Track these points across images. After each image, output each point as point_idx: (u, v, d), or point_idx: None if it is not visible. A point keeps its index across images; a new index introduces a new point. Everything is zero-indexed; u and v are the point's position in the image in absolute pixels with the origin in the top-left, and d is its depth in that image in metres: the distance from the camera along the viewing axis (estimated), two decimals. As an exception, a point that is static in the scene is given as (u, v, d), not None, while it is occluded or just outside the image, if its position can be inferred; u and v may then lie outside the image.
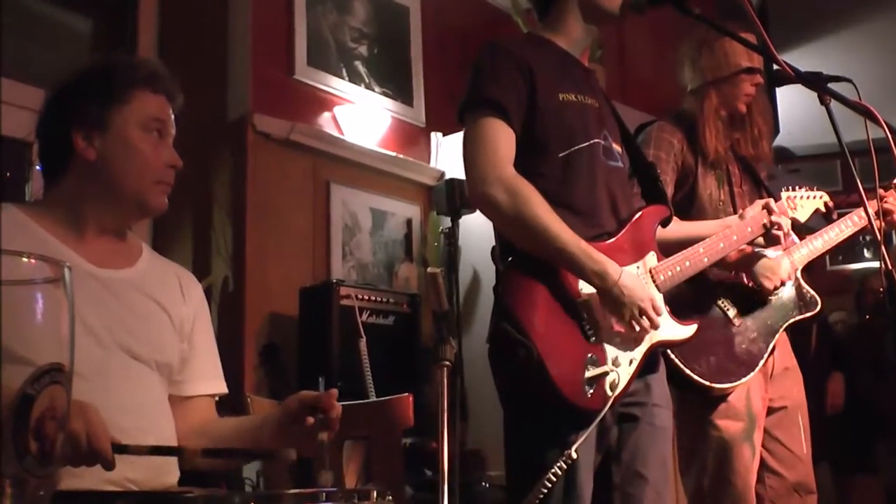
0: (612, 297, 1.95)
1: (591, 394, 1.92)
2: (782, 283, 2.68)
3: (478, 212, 2.11)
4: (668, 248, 2.25)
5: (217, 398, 1.90)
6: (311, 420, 1.59)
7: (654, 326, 2.00)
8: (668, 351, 2.41)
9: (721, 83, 2.76)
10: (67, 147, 1.69)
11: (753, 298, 2.69)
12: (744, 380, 2.57)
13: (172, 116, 1.79)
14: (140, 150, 1.70)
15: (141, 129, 1.70)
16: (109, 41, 4.58)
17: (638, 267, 2.10)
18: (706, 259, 2.30)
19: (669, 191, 2.62)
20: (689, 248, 2.27)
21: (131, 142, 1.69)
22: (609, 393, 1.94)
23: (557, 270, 1.99)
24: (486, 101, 2.05)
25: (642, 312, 1.97)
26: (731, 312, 2.65)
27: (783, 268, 2.67)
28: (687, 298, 2.53)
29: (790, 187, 2.80)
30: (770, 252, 2.66)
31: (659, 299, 2.10)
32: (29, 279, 0.66)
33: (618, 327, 1.99)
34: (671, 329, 2.11)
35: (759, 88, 2.79)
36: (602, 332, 1.98)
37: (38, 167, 3.80)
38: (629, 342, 2.01)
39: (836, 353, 5.24)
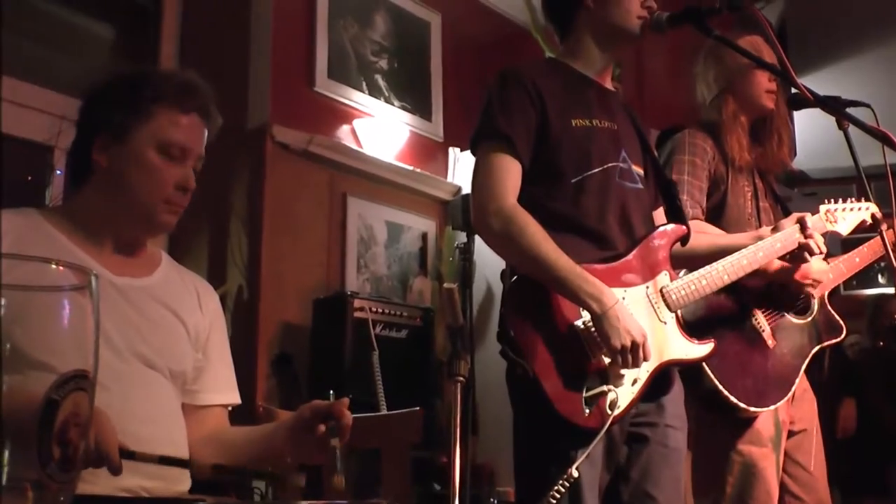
0: (605, 324, 1.93)
1: (589, 413, 1.92)
2: (817, 283, 2.59)
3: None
4: (697, 262, 2.24)
5: (230, 408, 1.91)
6: (322, 428, 1.59)
7: (636, 365, 1.96)
8: (709, 373, 2.39)
9: (735, 85, 2.74)
10: (89, 154, 1.70)
11: (787, 318, 2.65)
12: (779, 403, 2.53)
13: (203, 134, 1.77)
14: (150, 168, 1.68)
15: (157, 149, 1.68)
16: (131, 48, 4.63)
17: (648, 287, 2.10)
18: (726, 277, 2.26)
19: (702, 198, 2.60)
20: (709, 266, 2.25)
21: (143, 159, 1.68)
22: (608, 412, 1.93)
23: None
24: (494, 133, 2.09)
25: (634, 346, 1.94)
26: (766, 333, 2.60)
27: (819, 270, 2.59)
28: (720, 313, 2.51)
29: (830, 199, 2.67)
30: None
31: (670, 318, 2.09)
32: (56, 286, 0.67)
33: (608, 352, 1.98)
34: (683, 348, 2.10)
35: (779, 91, 2.75)
36: (603, 352, 1.98)
37: (58, 171, 3.86)
38: (618, 368, 2.00)
39: (849, 378, 5.20)
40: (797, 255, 2.44)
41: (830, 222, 2.60)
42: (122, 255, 1.73)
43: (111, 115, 1.70)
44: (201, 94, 1.77)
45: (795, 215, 2.46)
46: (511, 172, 2.06)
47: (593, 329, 1.95)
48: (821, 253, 2.44)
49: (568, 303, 1.98)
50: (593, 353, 1.96)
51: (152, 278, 1.77)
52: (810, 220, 2.45)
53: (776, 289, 2.61)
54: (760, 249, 2.35)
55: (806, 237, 2.41)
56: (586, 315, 1.97)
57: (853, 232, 2.65)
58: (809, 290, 2.60)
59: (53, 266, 0.66)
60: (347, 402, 1.61)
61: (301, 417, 1.64)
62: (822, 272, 2.61)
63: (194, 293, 1.85)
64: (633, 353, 1.94)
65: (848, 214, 2.64)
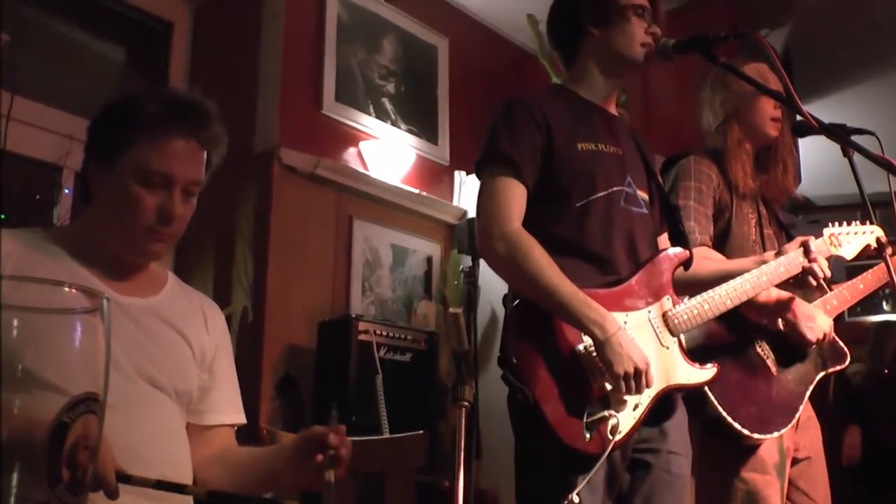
0: (606, 350, 1.93)
1: (590, 438, 1.91)
2: (824, 337, 2.60)
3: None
4: (700, 288, 2.24)
5: (236, 428, 1.91)
6: (320, 458, 1.59)
7: (639, 391, 1.96)
8: (713, 399, 2.39)
9: (741, 112, 2.75)
10: (87, 179, 1.71)
11: (791, 346, 2.64)
12: (783, 430, 2.52)
13: (194, 156, 1.70)
14: (129, 197, 1.64)
15: (137, 178, 1.64)
16: (142, 70, 4.67)
17: (651, 311, 2.10)
18: (729, 301, 2.25)
19: (709, 224, 2.61)
20: (711, 290, 2.24)
21: (124, 188, 1.65)
22: (609, 437, 1.93)
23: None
24: (499, 157, 2.10)
25: (636, 372, 1.93)
26: (770, 360, 2.59)
27: (824, 321, 2.63)
28: (724, 341, 2.50)
29: (834, 223, 2.64)
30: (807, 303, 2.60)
31: (672, 343, 2.09)
32: (69, 308, 0.68)
33: (610, 378, 1.98)
34: (686, 373, 2.09)
35: (784, 119, 2.76)
36: (605, 377, 1.97)
37: (66, 190, 3.87)
38: (621, 394, 2.00)
39: (854, 405, 5.19)
40: (801, 280, 2.43)
41: (835, 246, 2.56)
42: (126, 274, 1.72)
43: (99, 141, 1.69)
44: (188, 114, 1.70)
45: (799, 239, 2.45)
46: (516, 196, 2.07)
47: (595, 354, 1.95)
48: (825, 277, 2.43)
49: (569, 328, 1.98)
50: (594, 378, 1.96)
51: (158, 298, 1.77)
52: (814, 244, 2.43)
53: (780, 335, 2.61)
54: (764, 274, 2.34)
55: (810, 261, 2.39)
56: (588, 340, 1.97)
57: (858, 256, 2.61)
58: (808, 333, 2.58)
59: (66, 289, 0.67)
60: (344, 430, 1.60)
61: (300, 443, 1.64)
62: (828, 325, 2.62)
63: (200, 313, 1.85)
64: (635, 380, 1.93)
65: (852, 238, 2.61)
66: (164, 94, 1.75)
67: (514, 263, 2.00)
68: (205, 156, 1.73)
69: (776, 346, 2.62)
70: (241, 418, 1.89)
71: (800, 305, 2.57)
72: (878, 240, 2.60)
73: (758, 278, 2.33)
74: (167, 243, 1.70)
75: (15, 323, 0.64)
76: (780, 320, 2.58)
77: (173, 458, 1.68)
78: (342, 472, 1.60)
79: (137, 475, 1.36)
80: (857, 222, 2.62)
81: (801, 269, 2.40)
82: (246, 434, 1.99)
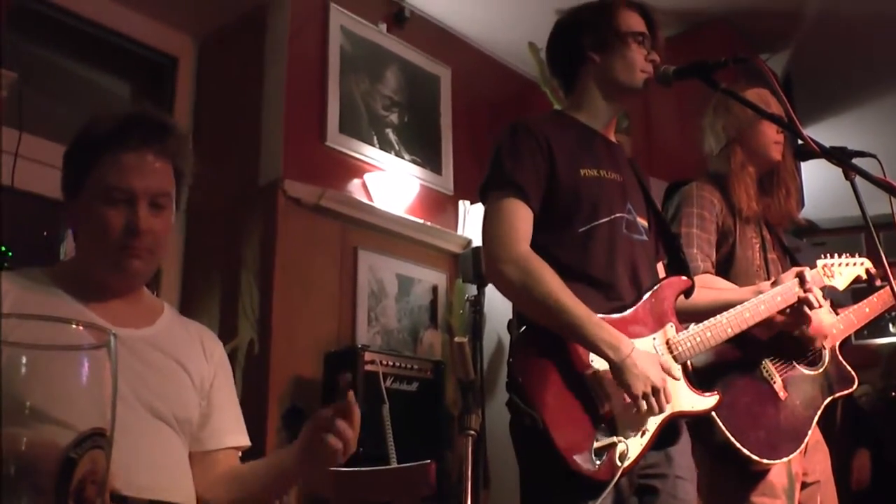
0: (623, 372, 1.94)
1: (600, 464, 1.91)
2: (826, 336, 2.64)
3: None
4: (699, 318, 2.25)
5: (241, 452, 1.90)
6: (331, 439, 1.58)
7: (661, 409, 1.97)
8: (721, 425, 2.39)
9: (743, 136, 2.76)
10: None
11: (798, 370, 2.65)
12: (792, 455, 2.52)
13: (156, 167, 1.70)
14: (96, 219, 1.66)
15: (102, 199, 1.66)
16: (147, 105, 4.70)
17: (655, 338, 2.11)
18: (730, 329, 2.28)
19: (712, 251, 2.61)
20: (713, 318, 2.26)
21: (91, 212, 1.67)
22: (618, 464, 1.93)
23: (568, 343, 2.00)
24: (506, 181, 2.10)
25: (654, 391, 1.95)
26: (777, 385, 2.59)
27: (826, 316, 2.63)
28: (731, 364, 2.51)
29: (826, 255, 2.74)
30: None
31: (677, 370, 2.10)
32: (76, 345, 0.69)
33: (629, 398, 1.99)
34: (690, 400, 2.10)
35: (786, 143, 2.78)
36: (613, 402, 1.98)
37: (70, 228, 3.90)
38: (642, 413, 2.00)
39: (862, 428, 5.16)
40: (798, 309, 2.45)
41: (828, 276, 2.65)
42: (123, 306, 1.74)
43: (66, 176, 1.72)
44: (143, 127, 1.71)
45: (794, 270, 2.49)
46: (523, 220, 2.08)
47: (603, 380, 1.96)
48: (819, 306, 2.46)
49: (577, 353, 1.99)
50: (602, 403, 1.96)
51: (153, 328, 1.78)
52: (809, 274, 2.47)
53: (787, 341, 2.61)
54: (762, 303, 2.38)
55: (805, 291, 2.43)
56: (595, 365, 1.98)
57: (849, 286, 2.72)
58: (822, 341, 2.61)
59: (73, 326, 0.68)
60: (353, 407, 1.61)
61: (308, 433, 1.63)
62: (832, 325, 2.64)
63: (198, 341, 1.85)
64: (655, 398, 1.95)
65: (844, 269, 2.71)
66: (118, 112, 1.74)
67: (526, 287, 2.00)
68: (168, 167, 1.73)
69: (781, 359, 2.62)
70: (244, 440, 1.89)
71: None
72: (867, 271, 2.73)
73: (756, 307, 2.36)
74: (143, 258, 1.70)
75: (23, 360, 0.65)
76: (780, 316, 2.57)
77: (175, 487, 1.68)
78: (347, 453, 1.60)
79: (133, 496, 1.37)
80: (847, 255, 2.73)
81: (797, 299, 2.42)
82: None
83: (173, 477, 1.69)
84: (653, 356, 2.03)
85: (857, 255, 2.76)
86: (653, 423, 2.01)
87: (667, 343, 2.12)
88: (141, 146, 1.68)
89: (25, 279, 1.67)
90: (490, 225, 2.11)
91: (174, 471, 1.70)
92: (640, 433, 1.98)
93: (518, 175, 2.09)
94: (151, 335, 1.75)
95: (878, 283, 2.76)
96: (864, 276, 2.75)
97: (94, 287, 1.71)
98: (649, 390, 1.93)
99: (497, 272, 2.05)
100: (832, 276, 2.67)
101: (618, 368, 1.94)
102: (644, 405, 1.94)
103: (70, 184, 1.71)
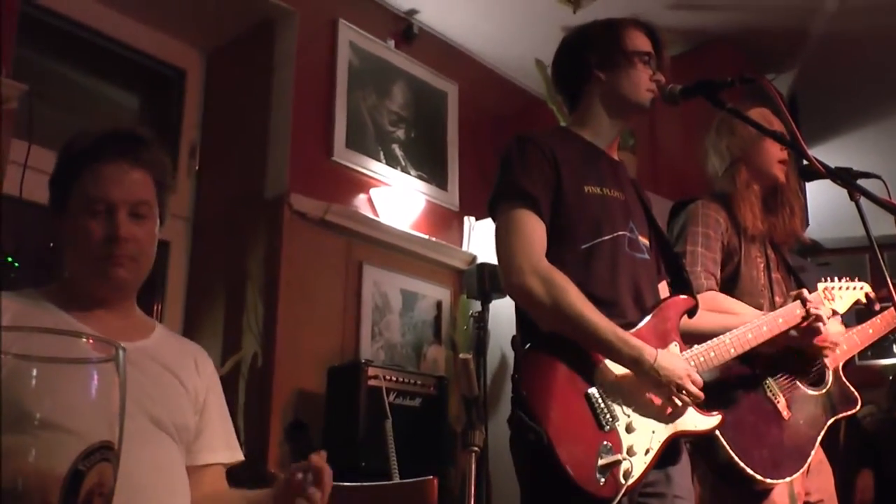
0: (650, 380, 2.00)
1: (604, 482, 1.91)
2: (834, 346, 2.64)
3: (507, 296, 2.15)
4: (701, 339, 2.26)
5: (231, 467, 1.91)
6: (313, 492, 1.57)
7: (698, 398, 2.04)
8: (725, 444, 2.40)
9: (748, 154, 2.77)
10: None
11: (802, 390, 2.65)
12: (795, 475, 2.52)
13: (134, 177, 1.75)
14: (79, 232, 1.71)
15: (85, 212, 1.71)
16: (156, 118, 4.73)
17: None
18: (733, 350, 2.29)
19: (717, 269, 2.62)
20: (716, 339, 2.28)
21: (74, 226, 1.72)
22: (622, 482, 1.93)
23: (573, 358, 2.01)
24: (518, 193, 2.11)
25: (680, 388, 2.01)
26: (780, 404, 2.60)
27: (833, 326, 2.63)
28: (735, 383, 2.51)
29: (827, 278, 2.76)
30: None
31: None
32: (85, 358, 0.69)
33: (637, 413, 2.00)
34: (693, 420, 2.11)
35: (791, 162, 2.78)
36: (617, 420, 1.98)
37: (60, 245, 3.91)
38: (645, 432, 2.01)
39: (866, 449, 5.14)
40: (805, 329, 2.47)
41: (828, 299, 2.66)
42: (117, 320, 1.76)
43: (52, 195, 1.77)
44: (120, 139, 1.77)
45: (795, 293, 2.51)
46: (538, 232, 2.08)
47: (608, 397, 1.97)
48: (827, 318, 2.48)
49: (582, 370, 2.00)
50: (607, 421, 1.97)
51: (148, 341, 1.81)
52: (810, 296, 2.49)
53: (792, 355, 2.62)
54: (764, 324, 2.39)
55: (808, 311, 2.45)
56: (600, 382, 1.98)
57: (849, 309, 2.75)
58: (828, 352, 2.61)
59: (83, 340, 0.69)
60: (324, 455, 1.61)
61: (281, 489, 1.64)
62: (838, 333, 2.65)
63: (190, 357, 1.88)
64: (688, 394, 2.02)
65: (844, 293, 2.73)
66: (99, 130, 1.79)
67: (552, 299, 2.00)
68: (147, 177, 1.78)
69: (785, 387, 2.62)
70: (234, 456, 1.90)
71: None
72: (866, 295, 2.76)
73: (758, 328, 2.37)
74: (126, 266, 1.73)
75: (34, 372, 0.66)
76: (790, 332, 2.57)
77: (173, 496, 1.69)
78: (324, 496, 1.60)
79: None
80: (846, 279, 2.75)
81: (799, 320, 2.43)
82: (253, 477, 1.99)
83: (174, 486, 1.71)
84: (676, 355, 2.08)
85: (857, 279, 2.78)
86: (656, 442, 2.01)
87: None
88: (118, 157, 1.74)
89: (21, 297, 1.71)
90: (505, 238, 2.10)
91: (174, 480, 1.72)
92: (644, 451, 1.99)
93: (529, 186, 2.10)
94: (146, 347, 1.78)
95: (878, 307, 2.80)
96: (864, 301, 2.78)
97: (85, 301, 1.74)
98: (675, 390, 2.01)
99: (519, 285, 2.04)
100: (832, 300, 2.68)
101: (644, 378, 2.00)
102: (678, 403, 2.03)
103: (56, 203, 1.76)
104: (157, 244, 1.82)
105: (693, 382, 2.03)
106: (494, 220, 2.16)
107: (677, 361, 2.04)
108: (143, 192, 1.76)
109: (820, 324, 2.45)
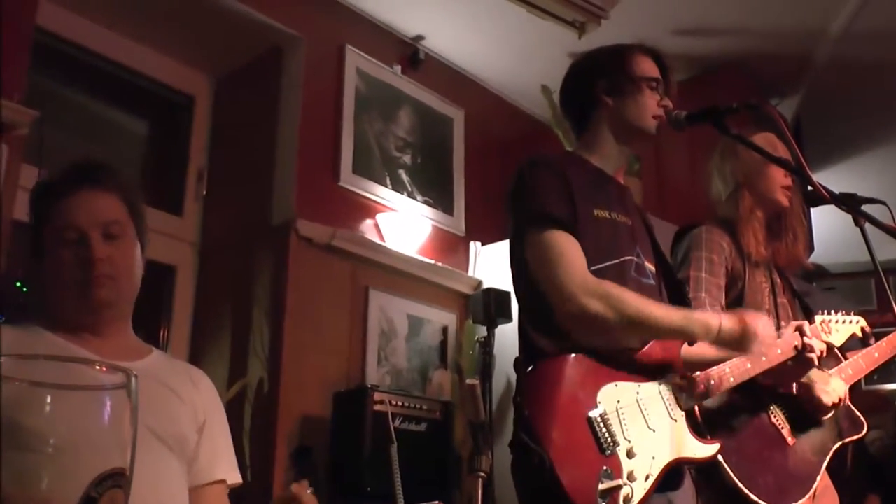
0: (748, 344, 2.08)
1: None
2: (840, 402, 2.64)
3: (513, 321, 2.16)
4: (702, 367, 2.25)
5: (228, 488, 1.91)
6: None
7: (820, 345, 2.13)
8: (729, 470, 2.39)
9: (752, 180, 2.77)
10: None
11: (808, 415, 2.64)
12: (801, 501, 2.50)
13: (98, 200, 1.76)
14: (55, 262, 1.72)
15: (59, 245, 1.72)
16: (164, 143, 4.77)
17: (661, 383, 2.12)
18: (732, 379, 2.28)
19: (721, 295, 2.62)
20: (716, 367, 2.27)
21: (51, 260, 1.73)
22: None
23: (575, 381, 2.01)
24: (544, 216, 2.11)
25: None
26: (785, 430, 2.59)
27: (838, 386, 2.64)
28: (739, 409, 2.51)
29: (824, 311, 2.75)
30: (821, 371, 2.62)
31: (682, 417, 2.11)
32: (99, 385, 0.70)
33: (637, 440, 2.00)
34: (692, 447, 2.11)
35: (795, 188, 2.79)
36: (618, 445, 1.98)
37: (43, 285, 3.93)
38: (646, 457, 2.01)
39: (873, 474, 5.11)
40: (800, 359, 2.45)
41: (825, 332, 2.65)
42: (114, 343, 1.78)
43: (29, 240, 1.79)
44: (83, 169, 1.79)
45: (794, 323, 2.49)
46: (577, 250, 2.08)
47: (610, 420, 1.97)
48: (820, 356, 2.46)
49: (583, 394, 1.99)
50: (608, 445, 1.97)
51: (146, 361, 1.83)
52: (808, 328, 2.48)
53: (799, 398, 2.61)
54: (762, 354, 2.37)
55: (804, 342, 2.43)
56: (601, 406, 1.98)
57: (845, 343, 2.75)
58: (824, 397, 2.60)
59: (97, 367, 0.70)
60: (306, 484, 1.63)
61: None
62: (843, 390, 2.65)
63: (188, 378, 1.90)
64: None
65: (841, 326, 2.72)
66: (62, 168, 1.81)
67: (617, 312, 2.02)
68: (114, 197, 1.79)
69: (791, 412, 2.62)
70: (234, 476, 1.90)
71: (814, 370, 2.58)
72: (862, 329, 2.77)
73: (757, 358, 2.36)
74: (107, 285, 1.74)
75: (48, 399, 0.67)
76: (794, 385, 2.58)
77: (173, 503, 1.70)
78: None
79: None
80: (843, 312, 2.76)
81: (794, 351, 2.42)
82: (258, 503, 1.99)
83: (172, 497, 1.72)
84: (647, 406, 2.06)
85: (851, 314, 2.78)
86: (656, 468, 2.01)
87: (672, 389, 2.13)
88: (82, 185, 1.76)
89: (21, 330, 1.73)
90: (547, 263, 2.09)
91: (173, 490, 1.73)
92: (644, 477, 1.98)
93: (552, 207, 2.10)
94: (146, 366, 1.79)
95: (872, 341, 2.83)
96: (860, 335, 2.78)
97: (78, 329, 1.75)
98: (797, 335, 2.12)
99: (580, 310, 2.03)
100: (829, 333, 2.67)
101: (742, 344, 2.08)
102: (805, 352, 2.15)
103: (33, 250, 1.77)
104: (140, 267, 1.83)
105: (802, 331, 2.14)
106: (525, 250, 2.14)
107: (761, 321, 2.10)
108: (113, 213, 1.77)
109: (812, 355, 2.44)
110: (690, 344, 2.22)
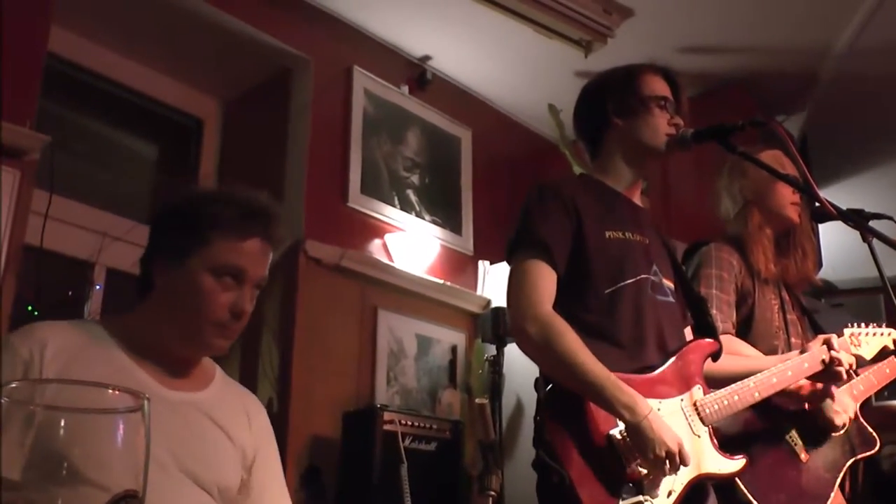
0: (639, 433, 1.94)
1: None
2: (850, 422, 2.63)
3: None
4: (722, 383, 2.25)
5: None
6: None
7: (674, 471, 1.97)
8: (742, 487, 2.38)
9: (760, 197, 2.78)
10: (150, 272, 1.76)
11: (820, 433, 2.63)
12: None
13: (264, 256, 1.78)
14: (202, 291, 1.70)
15: (212, 273, 1.70)
16: (173, 167, 4.79)
17: (682, 399, 2.11)
18: (757, 394, 2.28)
19: (731, 312, 2.62)
20: (740, 382, 2.27)
21: (197, 282, 1.70)
22: None
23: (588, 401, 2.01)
24: (532, 242, 2.13)
25: (669, 455, 1.94)
26: (798, 447, 2.58)
27: (849, 404, 2.64)
28: (754, 429, 2.50)
29: (853, 323, 2.74)
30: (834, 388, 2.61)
31: (703, 432, 2.10)
32: (112, 408, 0.71)
33: (642, 461, 1.99)
34: (717, 463, 2.10)
35: (803, 204, 2.79)
36: (639, 461, 1.98)
37: (97, 287, 3.93)
38: (656, 476, 2.00)
39: (885, 490, 5.08)
40: (828, 373, 2.44)
41: (854, 345, 2.65)
42: (177, 368, 1.75)
43: (169, 239, 1.74)
44: (263, 217, 1.77)
45: (822, 337, 2.49)
46: (547, 280, 2.10)
47: (628, 439, 1.96)
48: (849, 369, 2.45)
49: (603, 412, 1.99)
50: (629, 462, 1.96)
51: (204, 394, 1.78)
52: (836, 341, 2.48)
53: (811, 415, 2.61)
54: (789, 369, 2.38)
55: (832, 356, 2.43)
56: (622, 424, 1.98)
57: (876, 356, 2.71)
58: (836, 417, 2.59)
59: (110, 391, 0.71)
60: None
61: None
62: (853, 409, 2.65)
63: (244, 412, 1.85)
64: (669, 462, 1.94)
65: (871, 339, 2.71)
66: (238, 197, 1.78)
67: (548, 345, 2.01)
68: (271, 254, 1.81)
69: (804, 429, 2.61)
70: None
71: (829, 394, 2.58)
72: (894, 341, 2.73)
73: (783, 372, 2.36)
74: (231, 340, 1.77)
75: (62, 423, 0.68)
76: (807, 404, 2.58)
77: None
78: None
79: None
80: (874, 325, 2.73)
81: (822, 365, 2.41)
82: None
83: None
84: (669, 422, 2.02)
85: (883, 325, 2.75)
86: (679, 484, 2.00)
87: (694, 405, 2.12)
88: (261, 234, 1.76)
89: (84, 333, 1.68)
90: (515, 284, 2.13)
91: None
92: (666, 493, 1.98)
93: (546, 236, 2.12)
94: (202, 401, 1.76)
95: None
96: (892, 347, 2.74)
97: (155, 350, 1.72)
98: (662, 455, 1.93)
99: (520, 330, 2.07)
100: (859, 345, 2.67)
101: (633, 430, 1.95)
102: (657, 468, 1.94)
103: (175, 248, 1.73)
104: None
105: (682, 455, 1.96)
106: (510, 269, 2.19)
107: (669, 427, 1.98)
108: (267, 270, 1.80)
109: (841, 368, 2.44)
110: (714, 359, 2.22)
